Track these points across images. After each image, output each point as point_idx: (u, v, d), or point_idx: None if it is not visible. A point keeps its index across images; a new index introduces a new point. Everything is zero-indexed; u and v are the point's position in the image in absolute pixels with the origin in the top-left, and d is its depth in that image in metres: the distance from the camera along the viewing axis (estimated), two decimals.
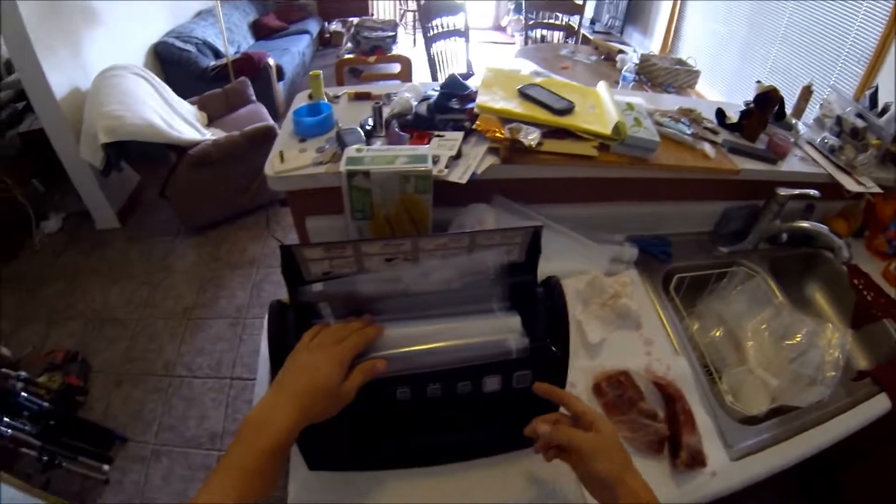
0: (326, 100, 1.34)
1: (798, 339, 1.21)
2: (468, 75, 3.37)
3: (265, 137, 2.81)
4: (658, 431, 0.92)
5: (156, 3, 3.76)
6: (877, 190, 1.48)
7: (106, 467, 1.88)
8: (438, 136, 1.09)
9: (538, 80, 1.33)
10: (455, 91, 1.23)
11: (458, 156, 1.05)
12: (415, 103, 1.21)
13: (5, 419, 1.74)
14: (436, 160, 1.00)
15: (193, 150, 2.71)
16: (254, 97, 3.54)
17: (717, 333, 1.32)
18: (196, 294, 2.66)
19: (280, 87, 4.01)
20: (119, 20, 3.24)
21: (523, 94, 1.23)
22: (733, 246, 1.51)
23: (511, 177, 1.14)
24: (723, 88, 3.80)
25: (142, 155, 2.91)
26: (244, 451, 0.56)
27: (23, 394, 1.88)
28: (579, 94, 1.33)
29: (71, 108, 2.69)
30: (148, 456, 1.98)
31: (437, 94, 1.21)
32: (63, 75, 2.67)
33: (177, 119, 2.91)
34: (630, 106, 1.31)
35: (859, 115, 1.64)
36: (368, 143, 1.10)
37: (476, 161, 1.04)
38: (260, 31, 4.93)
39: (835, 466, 1.76)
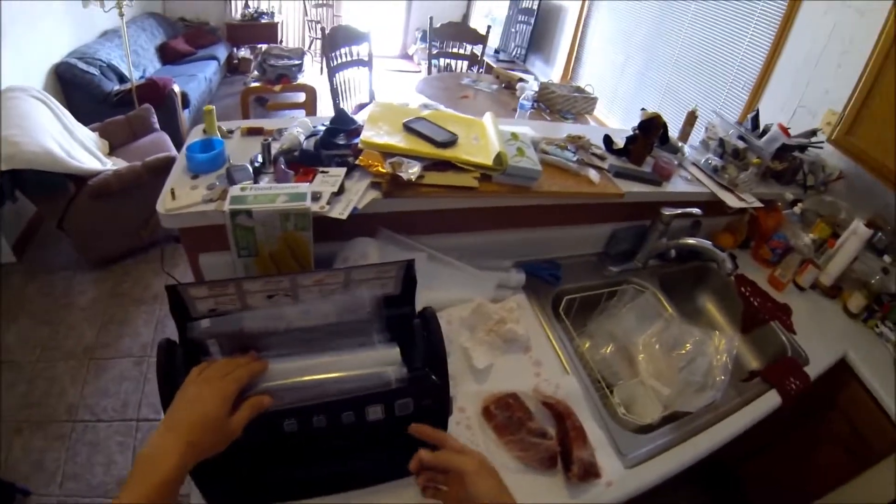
0: (220, 135, 1.36)
1: (687, 349, 1.29)
2: (365, 105, 3.45)
3: (167, 168, 2.68)
4: (549, 448, 0.98)
5: (59, 20, 3.62)
6: (758, 204, 1.65)
7: None
8: (323, 171, 1.13)
9: (425, 113, 1.40)
10: (342, 126, 1.28)
11: (341, 191, 1.10)
12: (303, 138, 1.25)
13: None
14: (318, 196, 1.05)
15: (93, 180, 2.61)
16: (157, 125, 3.45)
17: (609, 350, 1.39)
18: (98, 332, 2.55)
19: (185, 115, 3.93)
20: (19, 36, 3.10)
21: (408, 128, 1.30)
22: (623, 265, 1.60)
23: (394, 210, 1.19)
24: (620, 114, 4.04)
25: (39, 184, 2.74)
26: (137, 487, 0.57)
27: None
28: (465, 125, 1.40)
29: None
30: None
31: (324, 129, 1.26)
32: None
33: (77, 147, 2.79)
34: (515, 136, 1.39)
35: (741, 137, 1.82)
36: (257, 180, 1.14)
37: (358, 196, 1.09)
38: (167, 54, 4.81)
39: (737, 461, 1.92)
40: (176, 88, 3.69)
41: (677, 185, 1.60)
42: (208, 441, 0.64)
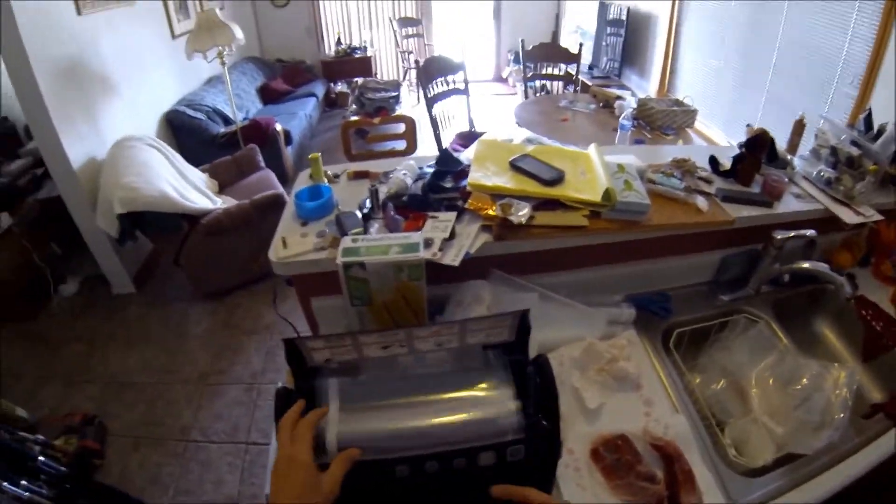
0: (327, 179, 1.39)
1: (803, 383, 1.18)
2: (471, 134, 3.47)
3: (274, 205, 2.88)
4: (656, 493, 0.92)
5: (167, 72, 3.94)
6: (877, 217, 1.48)
7: None
8: (433, 217, 1.13)
9: (530, 148, 1.37)
10: (448, 168, 1.27)
11: (452, 236, 1.09)
12: (410, 182, 1.26)
13: (23, 482, 1.75)
14: (430, 243, 1.04)
15: (205, 219, 2.78)
16: (262, 164, 3.64)
17: (720, 385, 1.31)
18: (211, 359, 2.69)
19: (288, 152, 4.11)
20: (133, 90, 3.40)
21: (514, 167, 1.27)
22: (735, 293, 1.50)
23: (505, 252, 1.17)
24: (721, 123, 3.84)
25: (156, 224, 2.99)
26: None
27: (40, 457, 1.90)
28: (570, 159, 1.37)
29: (87, 177, 2.80)
30: None
31: (431, 171, 1.26)
32: (80, 145, 2.79)
33: (189, 188, 3.01)
34: (621, 168, 1.34)
35: (854, 143, 1.64)
36: (366, 226, 1.14)
37: (469, 240, 1.07)
38: (267, 95, 5.10)
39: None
40: (278, 127, 3.89)
41: (789, 203, 1.48)
42: None
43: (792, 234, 1.36)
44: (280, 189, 3.15)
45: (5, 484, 1.69)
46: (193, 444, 2.26)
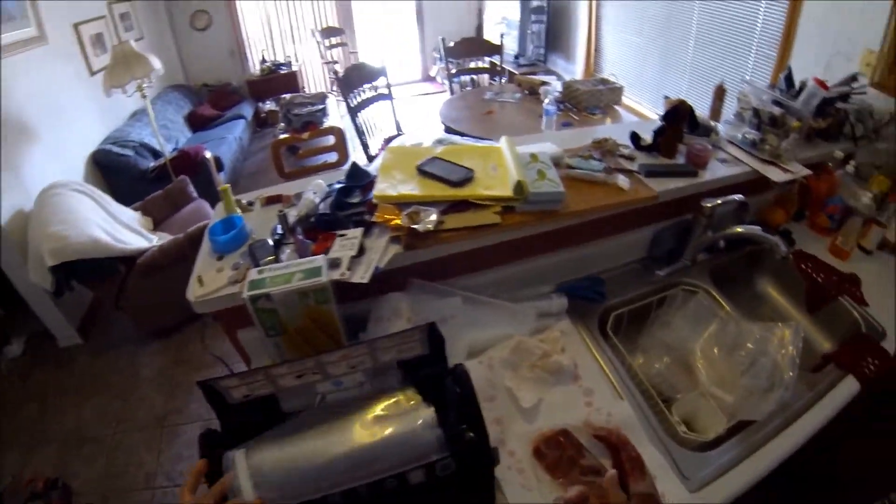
0: (240, 209, 1.37)
1: (749, 348, 1.19)
2: (398, 138, 3.46)
3: None
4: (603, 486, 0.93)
5: (89, 111, 3.81)
6: (805, 172, 1.51)
7: None
8: (341, 235, 1.12)
9: (438, 150, 1.37)
10: (357, 182, 1.27)
11: (361, 252, 1.08)
12: (318, 201, 1.25)
13: None
14: (337, 263, 1.03)
15: (140, 259, 2.71)
16: (195, 194, 3.56)
17: (664, 362, 1.31)
18: (166, 400, 2.64)
19: (221, 179, 4.01)
20: (55, 133, 3.28)
21: (421, 172, 1.27)
22: (671, 266, 1.50)
23: (420, 260, 1.16)
24: (648, 97, 3.90)
25: (91, 271, 2.88)
26: None
27: None
28: (481, 156, 1.36)
29: (16, 231, 2.70)
30: None
31: (337, 189, 1.25)
32: (4, 197, 2.68)
33: (121, 229, 2.92)
34: (534, 157, 1.34)
35: (776, 102, 1.68)
36: (278, 253, 1.13)
37: (378, 255, 1.07)
38: (196, 122, 4.98)
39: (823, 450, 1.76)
40: (208, 154, 3.80)
41: (716, 170, 1.50)
42: None
43: (719, 200, 1.37)
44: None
45: None
46: (160, 489, 2.22)
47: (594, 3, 4.32)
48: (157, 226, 3.32)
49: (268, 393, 0.83)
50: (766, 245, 1.31)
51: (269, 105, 5.86)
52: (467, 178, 1.25)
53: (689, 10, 3.30)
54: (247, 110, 5.47)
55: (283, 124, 4.09)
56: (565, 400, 1.11)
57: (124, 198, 3.32)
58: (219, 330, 2.89)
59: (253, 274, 0.96)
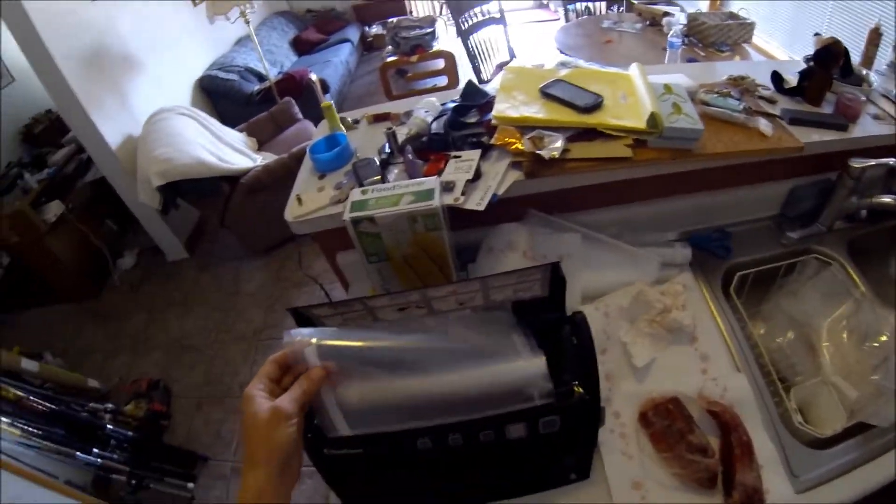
0: (345, 127, 1.30)
1: (883, 340, 1.03)
2: (507, 63, 3.28)
3: None
4: (709, 468, 0.83)
5: (194, 39, 3.89)
6: None
7: (191, 485, 2.01)
8: (455, 157, 1.02)
9: (563, 73, 1.22)
10: (473, 101, 1.15)
11: (478, 176, 0.98)
12: (431, 120, 1.15)
13: (95, 450, 1.86)
14: (451, 187, 0.94)
15: (245, 178, 2.77)
16: (300, 115, 3.58)
17: (787, 337, 1.18)
18: (264, 315, 2.75)
19: (328, 100, 3.94)
20: (160, 64, 3.38)
21: (545, 94, 1.13)
22: (804, 230, 1.31)
23: (541, 190, 1.05)
24: (782, 37, 3.46)
25: (197, 190, 3.03)
26: None
27: (108, 426, 2.02)
28: (609, 82, 1.21)
29: (126, 155, 2.84)
30: (228, 474, 2.10)
31: (452, 107, 1.14)
32: (114, 125, 2.81)
33: (227, 150, 2.99)
34: (668, 88, 1.18)
35: None
36: (385, 173, 1.06)
37: (496, 181, 0.96)
38: (301, 47, 5.00)
39: None
40: (313, 76, 3.75)
41: (866, 125, 1.26)
42: (283, 453, 0.56)
43: (872, 162, 1.16)
44: None
45: (79, 454, 1.79)
46: None
47: None
48: (261, 146, 3.38)
49: (364, 325, 0.76)
50: None
51: (376, 29, 5.74)
52: (596, 105, 1.10)
53: None
54: (353, 34, 5.40)
55: (390, 47, 4.00)
56: (680, 363, 1.00)
57: (231, 121, 3.41)
58: (317, 250, 2.97)
59: (356, 194, 0.88)
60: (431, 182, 0.88)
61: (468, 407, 0.66)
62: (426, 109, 1.17)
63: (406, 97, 4.06)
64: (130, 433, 2.06)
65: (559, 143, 1.00)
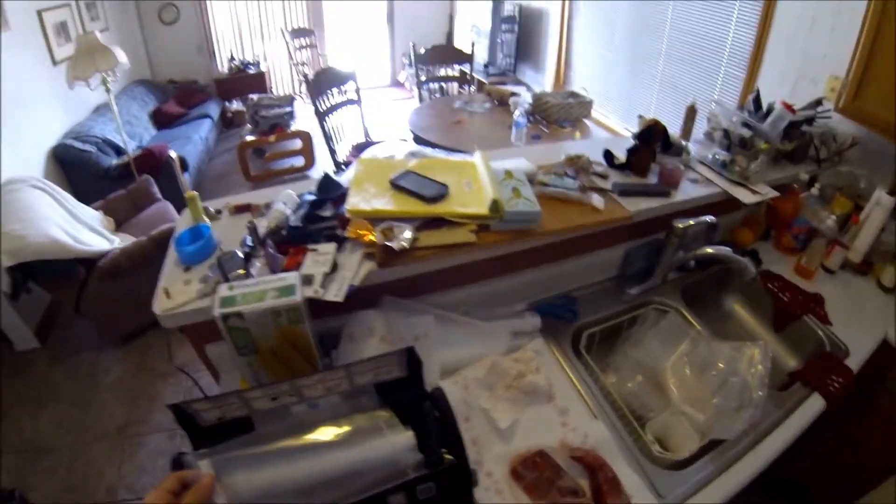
0: (208, 217, 1.34)
1: (720, 367, 1.21)
2: (367, 144, 3.44)
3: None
4: None
5: (50, 102, 3.69)
6: (773, 194, 1.55)
7: None
8: (312, 250, 1.10)
9: (412, 163, 1.36)
10: (329, 194, 1.25)
11: (335, 269, 1.06)
12: (290, 213, 1.22)
13: None
14: (310, 280, 1.01)
15: (102, 261, 2.62)
16: (159, 195, 3.46)
17: (637, 381, 1.32)
18: (128, 409, 2.55)
19: (186, 179, 3.93)
20: (13, 125, 3.16)
21: (395, 186, 1.25)
22: (642, 285, 1.52)
23: (394, 278, 1.14)
24: (618, 111, 3.95)
25: (49, 272, 2.78)
26: None
27: None
28: (455, 171, 1.35)
29: None
30: None
31: (309, 201, 1.22)
32: None
33: (82, 229, 2.82)
34: (508, 174, 1.33)
35: (745, 125, 1.72)
36: (248, 266, 1.10)
37: (352, 272, 1.05)
38: (161, 119, 4.84)
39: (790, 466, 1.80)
40: (173, 154, 3.69)
41: (687, 190, 1.52)
42: None
43: (692, 221, 1.39)
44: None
45: None
46: (122, 503, 2.14)
47: (566, 14, 4.34)
48: (119, 227, 3.21)
49: (242, 415, 0.80)
50: (736, 266, 1.34)
51: (236, 105, 5.76)
52: (441, 194, 1.23)
53: (660, 26, 3.36)
54: (213, 109, 5.34)
55: (249, 126, 4.02)
56: (541, 420, 1.11)
57: (85, 196, 3.21)
58: (181, 337, 2.84)
59: (223, 290, 0.93)
60: (292, 277, 0.95)
61: (348, 485, 0.72)
62: (285, 202, 1.24)
63: (264, 178, 4.09)
64: None
65: (408, 234, 1.11)
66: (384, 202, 1.20)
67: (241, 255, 1.13)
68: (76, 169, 3.60)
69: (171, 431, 2.41)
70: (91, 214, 3.07)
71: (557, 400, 1.15)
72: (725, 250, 1.37)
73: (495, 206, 1.18)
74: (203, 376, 1.42)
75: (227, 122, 5.78)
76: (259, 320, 0.91)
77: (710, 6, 2.92)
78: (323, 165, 4.48)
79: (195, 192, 1.29)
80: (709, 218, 1.39)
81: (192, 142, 4.41)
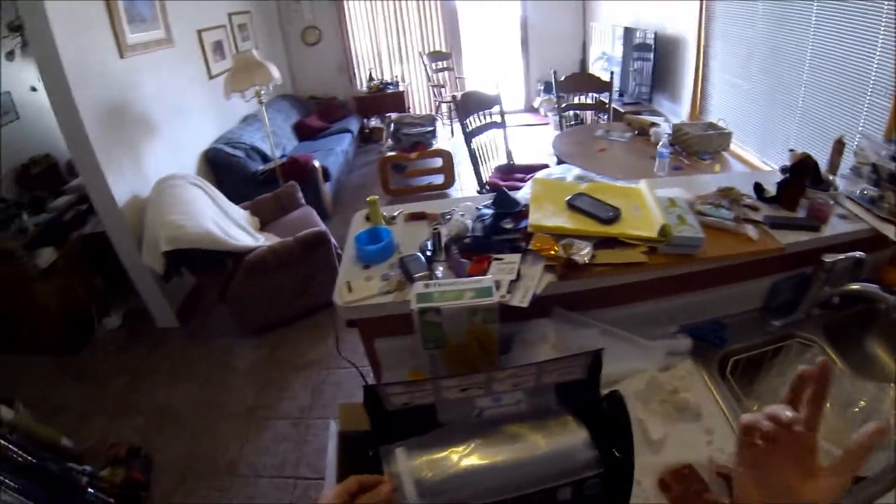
0: (384, 222, 1.43)
1: (862, 405, 1.17)
2: (510, 167, 3.50)
3: (318, 242, 2.95)
4: None
5: (205, 111, 4.08)
6: None
7: None
8: (497, 258, 1.15)
9: (583, 186, 1.40)
10: (507, 209, 1.30)
11: (518, 277, 1.11)
12: (469, 223, 1.29)
13: None
14: (497, 285, 1.06)
15: (250, 256, 2.84)
16: (303, 200, 3.71)
17: None
18: (257, 394, 2.72)
19: (327, 188, 4.17)
20: (173, 129, 3.54)
21: (571, 206, 1.29)
22: (786, 318, 1.47)
23: (566, 290, 1.19)
24: (755, 144, 3.77)
25: (201, 261, 3.07)
26: None
27: (90, 490, 1.92)
28: (623, 196, 1.38)
29: (132, 213, 2.92)
30: None
31: (490, 213, 1.28)
32: (124, 183, 2.91)
33: (232, 226, 3.08)
34: (672, 202, 1.36)
35: (894, 158, 1.63)
36: (430, 269, 1.17)
37: (535, 281, 1.09)
38: (302, 131, 5.23)
39: None
40: (316, 163, 3.96)
41: (835, 225, 1.48)
42: None
43: (841, 256, 1.35)
44: (322, 226, 3.21)
45: None
46: (241, 478, 2.26)
47: (702, 43, 4.23)
48: (263, 226, 3.48)
49: (427, 403, 0.85)
50: (883, 304, 1.28)
51: (374, 122, 6.08)
52: (615, 217, 1.27)
53: (800, 55, 3.18)
54: (353, 125, 5.67)
55: (391, 142, 4.22)
56: (688, 436, 1.12)
57: (231, 197, 3.51)
58: (320, 334, 3.03)
59: (420, 287, 0.99)
60: (488, 281, 1.00)
61: (529, 474, 0.77)
62: (464, 213, 1.31)
63: (402, 193, 4.23)
64: (112, 500, 1.96)
65: (588, 250, 1.14)
66: (563, 220, 1.25)
67: (422, 257, 1.20)
68: (226, 171, 3.96)
69: (297, 420, 2.54)
70: (240, 213, 3.35)
71: (704, 419, 1.15)
72: (872, 287, 1.31)
73: (664, 230, 1.22)
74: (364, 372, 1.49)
75: (365, 138, 6.11)
76: (454, 317, 0.96)
77: (853, 33, 2.74)
78: (461, 185, 4.63)
79: (376, 197, 1.39)
80: (858, 253, 1.34)
81: (334, 154, 4.69)
